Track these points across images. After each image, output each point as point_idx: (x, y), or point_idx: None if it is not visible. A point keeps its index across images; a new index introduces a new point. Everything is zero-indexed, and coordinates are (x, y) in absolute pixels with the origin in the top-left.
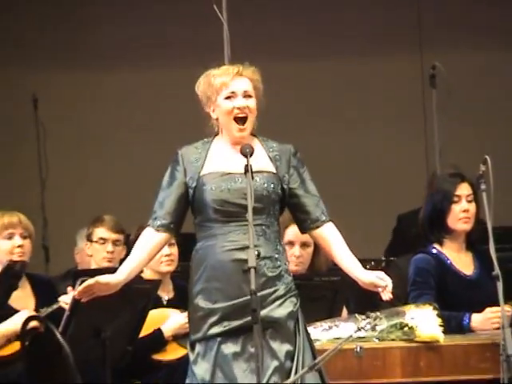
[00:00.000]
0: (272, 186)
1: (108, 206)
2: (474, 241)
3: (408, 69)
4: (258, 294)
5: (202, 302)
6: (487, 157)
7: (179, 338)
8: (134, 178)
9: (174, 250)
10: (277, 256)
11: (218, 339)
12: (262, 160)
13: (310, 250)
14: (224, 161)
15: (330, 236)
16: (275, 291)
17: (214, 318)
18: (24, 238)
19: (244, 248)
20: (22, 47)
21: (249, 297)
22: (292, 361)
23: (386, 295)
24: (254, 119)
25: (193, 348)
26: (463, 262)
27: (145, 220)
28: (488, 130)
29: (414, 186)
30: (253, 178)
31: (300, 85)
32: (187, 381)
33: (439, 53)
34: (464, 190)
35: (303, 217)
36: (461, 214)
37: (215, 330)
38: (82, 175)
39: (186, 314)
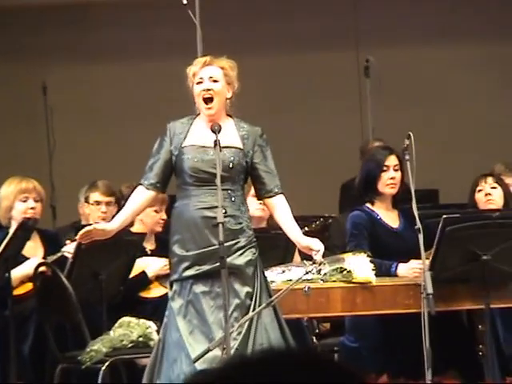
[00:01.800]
0: (237, 159)
1: (103, 172)
2: (399, 201)
3: (347, 62)
4: (225, 244)
5: (177, 249)
6: (410, 133)
7: (160, 278)
8: (124, 149)
9: (166, 215)
10: (239, 215)
11: (191, 281)
12: (232, 137)
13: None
14: (200, 136)
15: (279, 206)
16: (237, 243)
17: (187, 263)
18: (36, 201)
19: (212, 207)
20: (33, 41)
21: (215, 246)
22: (251, 299)
23: (318, 257)
24: (224, 100)
25: (171, 286)
26: (390, 218)
27: (134, 182)
28: (412, 111)
29: (352, 159)
30: (221, 151)
31: (260, 78)
32: (166, 313)
33: (372, 48)
34: (392, 160)
35: (260, 187)
36: (388, 181)
37: (188, 272)
38: (83, 148)
39: (165, 259)
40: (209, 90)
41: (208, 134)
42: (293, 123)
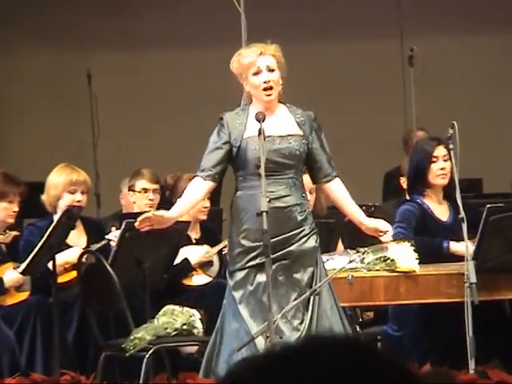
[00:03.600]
0: (302, 146)
1: (147, 160)
2: (449, 192)
3: (391, 52)
4: (291, 233)
5: (244, 240)
6: (454, 122)
7: (203, 266)
8: (169, 137)
9: (208, 203)
10: (303, 202)
11: (254, 270)
12: (292, 125)
13: (313, 196)
14: (258, 125)
15: (338, 189)
16: (302, 231)
17: (253, 254)
18: (83, 193)
19: (280, 197)
20: (78, 29)
21: (281, 236)
22: (310, 288)
23: (387, 238)
24: (279, 88)
25: (232, 276)
26: (441, 211)
27: (179, 172)
28: (456, 100)
29: (396, 148)
30: (288, 140)
31: (302, 66)
32: (224, 302)
33: (416, 37)
34: (441, 151)
35: (317, 171)
36: (439, 171)
37: (253, 262)
38: (127, 136)
39: (207, 247)
40: (269, 81)
41: (269, 122)
42: (336, 112)
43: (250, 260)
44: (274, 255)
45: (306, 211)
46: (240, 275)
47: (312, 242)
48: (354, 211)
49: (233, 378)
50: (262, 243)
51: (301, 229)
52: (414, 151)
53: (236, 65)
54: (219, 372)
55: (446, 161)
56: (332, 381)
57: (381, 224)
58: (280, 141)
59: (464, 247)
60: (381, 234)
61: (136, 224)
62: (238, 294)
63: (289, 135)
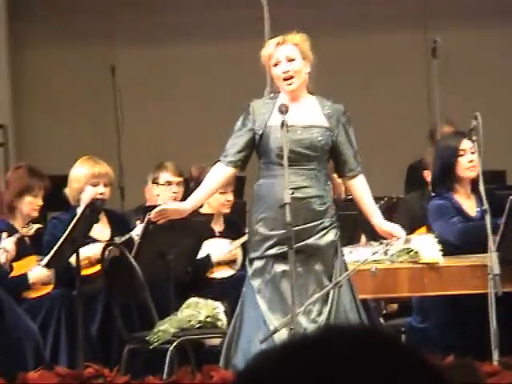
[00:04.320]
0: (325, 138)
1: (171, 154)
2: (476, 186)
3: (414, 43)
4: (309, 225)
5: (261, 228)
6: (478, 114)
7: (226, 263)
8: (193, 131)
9: (232, 196)
10: (324, 194)
11: (272, 259)
12: (318, 116)
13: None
14: (287, 115)
15: (361, 187)
16: (321, 223)
17: (270, 242)
18: (106, 186)
19: (299, 188)
20: (103, 23)
21: (298, 227)
22: (330, 280)
23: (399, 243)
24: (303, 76)
25: (251, 263)
26: (469, 205)
27: (204, 164)
28: (479, 92)
29: (420, 140)
30: (310, 131)
31: (326, 59)
32: (243, 289)
33: (440, 29)
34: (467, 144)
35: (342, 166)
36: (468, 164)
37: (271, 251)
38: (151, 129)
39: (231, 244)
40: (288, 71)
41: (294, 111)
42: (360, 104)
43: (268, 249)
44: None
45: (326, 204)
46: (258, 264)
47: (331, 236)
48: (371, 211)
49: (251, 371)
50: (279, 232)
51: (320, 221)
52: (439, 147)
53: (262, 57)
54: (236, 362)
55: (473, 153)
56: (351, 372)
57: (395, 229)
58: (302, 131)
59: None
60: (394, 238)
61: (151, 216)
62: (256, 283)
63: (312, 126)
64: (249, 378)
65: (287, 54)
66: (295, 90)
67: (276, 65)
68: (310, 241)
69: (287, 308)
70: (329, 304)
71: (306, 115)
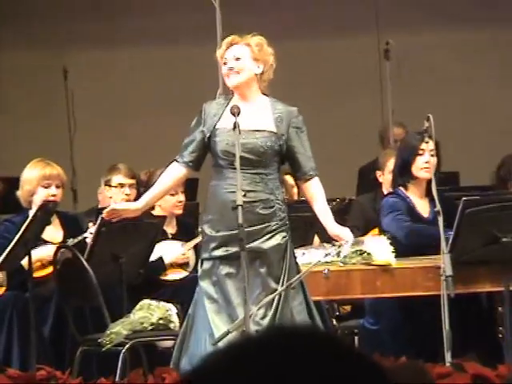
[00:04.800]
0: (270, 143)
1: (123, 156)
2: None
3: (367, 45)
4: (253, 228)
5: (207, 229)
6: (430, 115)
7: (178, 265)
8: (144, 134)
9: (183, 197)
10: (272, 198)
11: (218, 261)
12: (265, 120)
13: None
14: (233, 118)
15: (313, 190)
16: (267, 227)
17: (215, 244)
18: (57, 187)
19: (242, 191)
20: (54, 27)
21: (245, 229)
22: (277, 283)
23: (346, 248)
24: (251, 75)
25: (201, 264)
26: (422, 206)
27: (153, 168)
28: (431, 93)
29: (373, 143)
30: (254, 135)
31: (282, 63)
32: (196, 289)
33: (392, 31)
34: (428, 145)
35: (295, 169)
36: (423, 165)
37: (216, 253)
38: (103, 133)
39: (183, 247)
40: (232, 68)
41: (241, 115)
42: (312, 107)
43: (214, 250)
44: (237, 249)
45: (273, 207)
46: (207, 265)
47: (277, 239)
48: (323, 214)
49: (199, 372)
50: (224, 234)
51: (265, 224)
52: (402, 145)
53: (217, 57)
54: (184, 363)
55: (432, 156)
56: (297, 373)
57: (344, 233)
58: (246, 135)
59: None
60: (343, 242)
61: (103, 215)
62: (204, 284)
63: (256, 130)
64: (196, 379)
65: (235, 53)
66: (240, 87)
67: (225, 64)
68: (255, 244)
69: (232, 310)
70: (273, 307)
71: (253, 119)
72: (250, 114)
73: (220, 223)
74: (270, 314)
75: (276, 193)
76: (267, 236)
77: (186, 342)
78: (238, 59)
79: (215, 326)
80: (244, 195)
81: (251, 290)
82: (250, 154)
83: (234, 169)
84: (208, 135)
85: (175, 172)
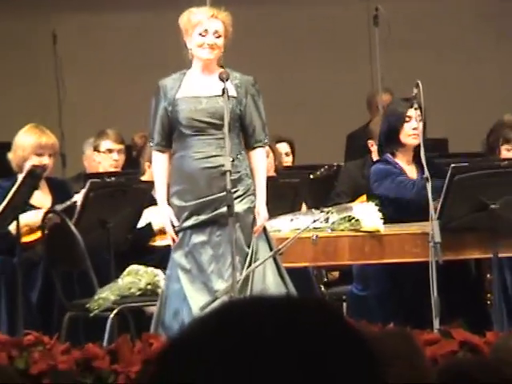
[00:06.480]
0: (231, 107)
1: (113, 121)
2: (418, 154)
3: (356, 11)
4: (222, 193)
5: (176, 200)
6: (419, 82)
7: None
8: (135, 98)
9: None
10: (237, 163)
11: (189, 231)
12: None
13: (270, 158)
14: (193, 87)
15: (258, 161)
16: (236, 191)
17: (185, 213)
18: (50, 156)
19: (209, 157)
20: None
21: (213, 196)
22: (249, 247)
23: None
24: (221, 53)
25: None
26: (410, 171)
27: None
28: (420, 60)
29: (362, 109)
30: (216, 100)
31: (266, 27)
32: (169, 264)
33: None
34: (414, 111)
35: (250, 136)
36: (411, 131)
37: (187, 223)
38: (92, 96)
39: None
40: (213, 44)
41: (201, 84)
42: (302, 73)
43: (184, 220)
44: (208, 216)
45: (240, 172)
46: (179, 237)
47: (247, 203)
48: (258, 188)
49: (184, 338)
50: (193, 203)
51: (234, 190)
52: (388, 112)
53: (185, 20)
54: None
55: (420, 121)
56: (283, 343)
57: (260, 218)
58: (207, 101)
59: None
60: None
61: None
62: (176, 256)
63: (217, 95)
64: (181, 343)
65: (216, 29)
66: (211, 60)
67: (202, 35)
68: (225, 209)
69: (206, 278)
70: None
71: (212, 87)
72: (208, 83)
73: (188, 193)
74: (242, 278)
75: (240, 158)
76: (237, 201)
77: (161, 318)
78: (218, 36)
79: (191, 297)
80: (232, 161)
81: (225, 256)
82: (213, 119)
83: (198, 135)
84: (170, 108)
85: (162, 162)
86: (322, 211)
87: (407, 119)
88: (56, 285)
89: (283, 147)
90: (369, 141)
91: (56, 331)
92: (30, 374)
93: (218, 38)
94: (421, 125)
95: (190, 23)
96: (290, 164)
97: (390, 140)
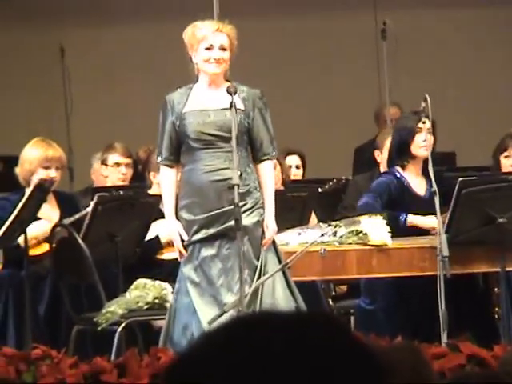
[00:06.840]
0: (239, 120)
1: (121, 135)
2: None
3: (364, 25)
4: (230, 207)
5: (185, 214)
6: (427, 95)
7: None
8: (142, 112)
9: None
10: (245, 176)
11: (199, 244)
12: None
13: (278, 170)
14: (200, 100)
15: (266, 175)
16: (244, 205)
17: (195, 227)
18: (57, 169)
19: (217, 170)
20: (50, 3)
21: (222, 209)
22: (258, 260)
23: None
24: (227, 67)
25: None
26: (418, 184)
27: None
28: (428, 73)
29: (369, 122)
30: (223, 113)
31: (275, 39)
32: (178, 278)
33: (389, 10)
34: (425, 124)
35: (257, 149)
36: (422, 143)
37: (196, 236)
38: (101, 111)
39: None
40: (220, 58)
41: (208, 97)
42: (309, 86)
43: (194, 234)
44: (217, 229)
45: (248, 185)
46: (188, 251)
47: (256, 217)
48: (267, 201)
49: (193, 353)
50: (203, 216)
51: (242, 203)
52: (398, 126)
53: (190, 35)
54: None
55: (429, 133)
56: (290, 357)
57: (269, 232)
58: (215, 114)
59: (425, 221)
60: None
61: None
62: (186, 269)
63: (225, 108)
64: (189, 358)
65: (222, 43)
66: (218, 75)
67: (208, 49)
68: (234, 222)
69: (215, 292)
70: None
71: (219, 100)
72: (215, 96)
73: (198, 206)
74: (250, 292)
75: (248, 171)
76: (245, 214)
77: (169, 333)
78: (224, 50)
79: (200, 310)
80: (241, 174)
81: (234, 270)
82: (221, 132)
83: (207, 149)
84: (178, 123)
85: (170, 177)
86: (329, 225)
87: (418, 130)
88: (64, 298)
89: (294, 160)
90: (375, 151)
91: (64, 345)
92: None
93: (223, 51)
94: (430, 137)
95: (195, 38)
96: (300, 177)
97: (401, 152)
